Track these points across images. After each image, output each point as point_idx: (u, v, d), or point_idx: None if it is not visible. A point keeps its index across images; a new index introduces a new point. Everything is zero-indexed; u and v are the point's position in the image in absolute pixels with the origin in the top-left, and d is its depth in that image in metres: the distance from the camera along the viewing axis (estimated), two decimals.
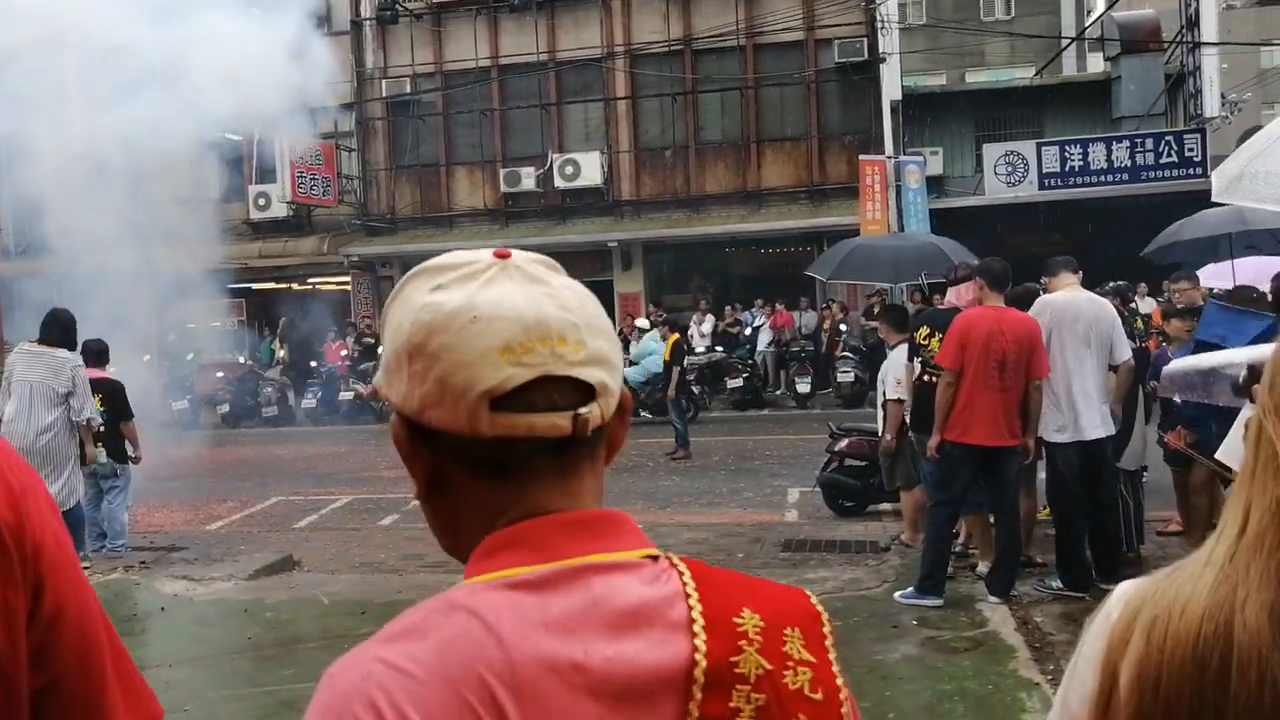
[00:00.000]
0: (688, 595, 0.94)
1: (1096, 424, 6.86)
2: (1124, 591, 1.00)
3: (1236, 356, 4.19)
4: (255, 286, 24.26)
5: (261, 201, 23.57)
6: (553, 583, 0.92)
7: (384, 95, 24.31)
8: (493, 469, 0.96)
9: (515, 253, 1.00)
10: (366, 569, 8.48)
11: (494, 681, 0.86)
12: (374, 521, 10.70)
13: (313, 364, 21.58)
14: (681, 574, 0.97)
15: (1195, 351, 5.66)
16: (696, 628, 0.92)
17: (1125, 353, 6.97)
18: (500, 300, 0.94)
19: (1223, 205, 8.33)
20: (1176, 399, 6.55)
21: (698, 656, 0.91)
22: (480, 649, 0.88)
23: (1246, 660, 0.87)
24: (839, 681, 0.96)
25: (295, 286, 24.65)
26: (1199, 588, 0.92)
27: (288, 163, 22.34)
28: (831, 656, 0.96)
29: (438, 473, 0.99)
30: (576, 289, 1.00)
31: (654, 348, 16.78)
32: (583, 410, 0.94)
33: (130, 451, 8.67)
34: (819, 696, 0.93)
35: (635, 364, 17.24)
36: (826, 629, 0.98)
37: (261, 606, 7.27)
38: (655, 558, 0.98)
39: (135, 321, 13.92)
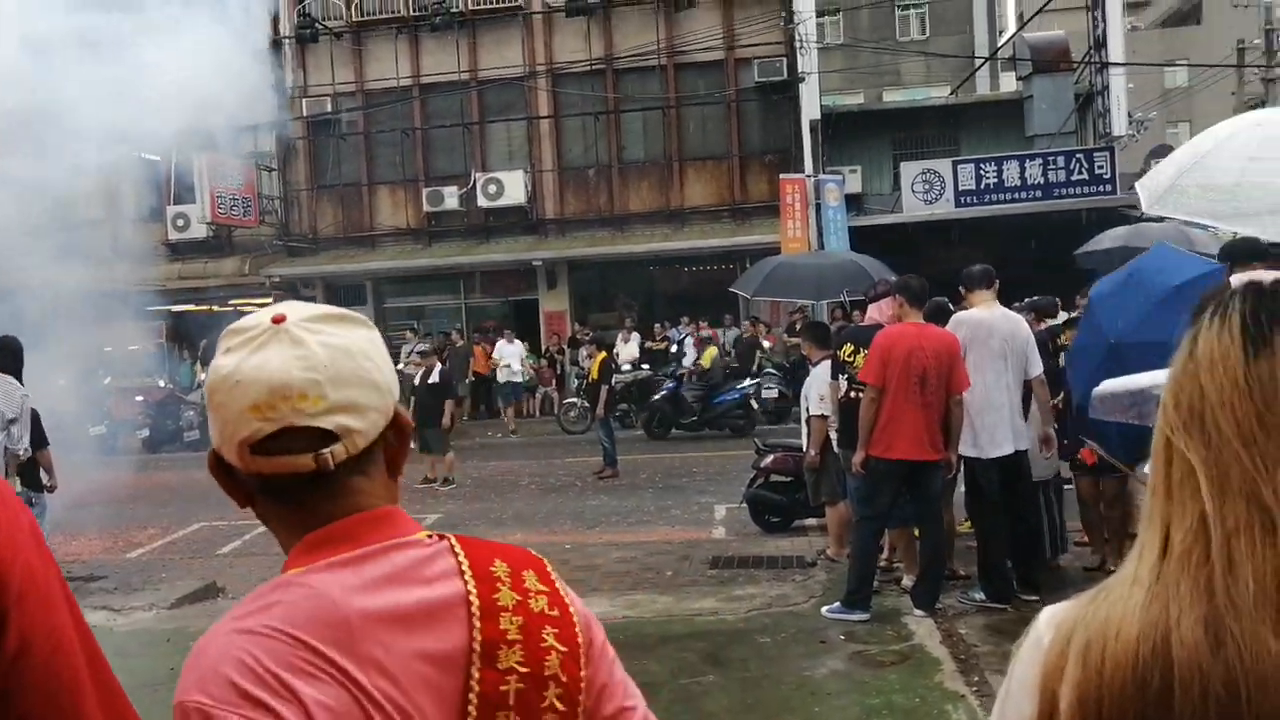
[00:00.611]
0: (456, 554, 1.26)
1: (1013, 438, 7.01)
2: (1052, 615, 1.01)
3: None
4: (175, 308, 23.80)
5: (180, 222, 23.18)
6: (363, 560, 1.21)
7: (305, 114, 24.05)
8: (273, 493, 1.24)
9: (289, 315, 1.24)
10: None
11: (332, 633, 1.14)
12: None
13: None
14: (449, 541, 1.29)
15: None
16: (466, 576, 1.24)
17: (1037, 368, 7.13)
18: (259, 365, 1.20)
19: (1165, 221, 8.46)
20: (1108, 417, 6.68)
21: (471, 596, 1.23)
22: (318, 610, 1.15)
23: (1188, 676, 0.88)
24: (566, 601, 1.29)
25: (216, 308, 24.16)
26: (1130, 608, 0.93)
27: (207, 183, 21.97)
28: (558, 586, 1.30)
29: (242, 493, 1.28)
30: (335, 346, 1.23)
31: None
32: (324, 450, 1.20)
33: (45, 480, 8.46)
34: (555, 613, 1.27)
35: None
36: (550, 569, 1.32)
37: (185, 636, 7.12)
38: (430, 535, 1.28)
39: (49, 345, 13.57)
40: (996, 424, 6.96)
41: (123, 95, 12.53)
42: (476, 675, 1.19)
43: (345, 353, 1.23)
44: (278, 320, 1.23)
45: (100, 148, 12.69)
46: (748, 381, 18.33)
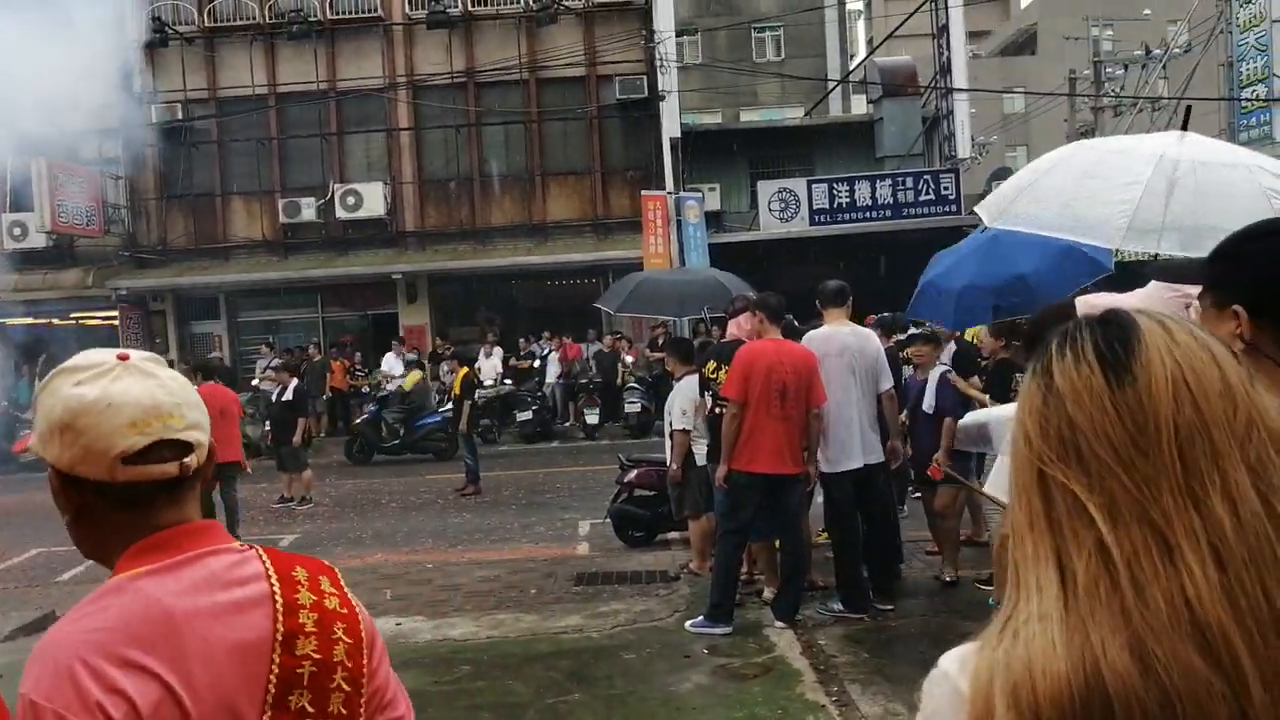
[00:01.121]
0: (262, 560, 1.51)
1: (863, 452, 7.22)
2: (962, 662, 1.01)
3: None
4: (10, 321, 22.63)
5: (17, 231, 22.06)
6: (183, 565, 1.43)
7: (154, 121, 23.18)
8: (125, 502, 1.44)
9: (132, 354, 1.50)
10: None
11: (160, 630, 1.34)
12: None
13: None
14: (257, 550, 1.53)
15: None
16: (272, 579, 1.48)
17: (887, 383, 7.38)
18: (126, 391, 1.44)
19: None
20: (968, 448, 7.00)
21: (276, 595, 1.47)
22: (147, 610, 1.36)
23: (1125, 702, 0.89)
24: (354, 603, 1.56)
25: (57, 321, 23.10)
26: (1048, 644, 0.93)
27: (47, 190, 20.98)
28: (346, 591, 1.56)
29: (83, 507, 1.47)
30: (178, 378, 1.52)
31: None
32: (185, 460, 1.47)
33: None
34: (345, 611, 1.53)
35: None
36: (338, 576, 1.58)
37: (20, 671, 6.79)
38: (241, 545, 1.52)
39: None
40: (847, 438, 7.16)
41: None
42: (277, 660, 1.44)
43: (184, 385, 1.52)
44: (123, 358, 1.48)
45: None
46: (448, 405, 18.49)
